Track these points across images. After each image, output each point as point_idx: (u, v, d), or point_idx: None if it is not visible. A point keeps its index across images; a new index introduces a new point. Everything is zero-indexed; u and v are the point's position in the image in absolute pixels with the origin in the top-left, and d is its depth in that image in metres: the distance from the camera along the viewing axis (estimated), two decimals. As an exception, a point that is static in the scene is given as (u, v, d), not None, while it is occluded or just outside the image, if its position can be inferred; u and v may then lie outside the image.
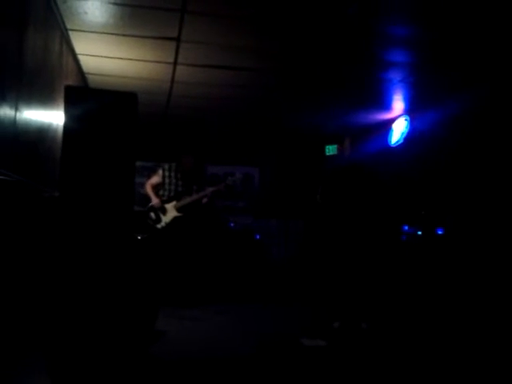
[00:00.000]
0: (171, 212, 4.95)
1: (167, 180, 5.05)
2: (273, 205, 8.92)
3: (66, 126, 3.32)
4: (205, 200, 5.08)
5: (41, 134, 3.75)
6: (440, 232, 5.70)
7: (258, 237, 8.11)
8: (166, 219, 4.93)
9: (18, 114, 3.05)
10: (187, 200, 4.99)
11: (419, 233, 5.98)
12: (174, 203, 4.97)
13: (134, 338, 3.60)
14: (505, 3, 3.75)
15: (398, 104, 6.61)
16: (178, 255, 5.13)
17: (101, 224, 3.29)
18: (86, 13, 4.03)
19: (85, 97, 3.53)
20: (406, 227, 6.20)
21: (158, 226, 4.92)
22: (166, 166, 5.13)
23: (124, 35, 4.48)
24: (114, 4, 3.88)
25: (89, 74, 5.55)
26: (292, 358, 3.99)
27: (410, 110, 6.80)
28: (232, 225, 8.12)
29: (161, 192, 5.02)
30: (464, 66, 5.04)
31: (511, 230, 4.82)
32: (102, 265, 3.28)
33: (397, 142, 7.05)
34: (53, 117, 4.10)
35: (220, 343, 4.47)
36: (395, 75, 5.43)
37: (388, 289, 5.95)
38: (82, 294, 3.20)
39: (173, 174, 5.08)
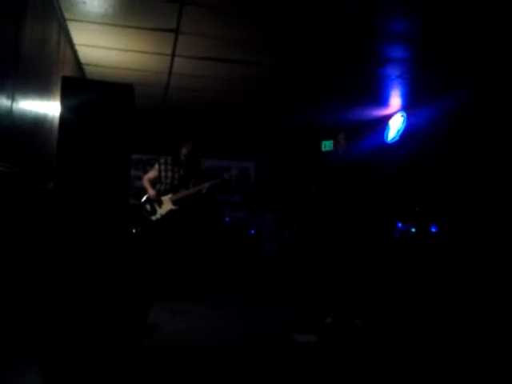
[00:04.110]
0: (167, 205, 4.95)
1: (163, 173, 5.04)
2: (268, 199, 8.93)
3: (62, 117, 3.31)
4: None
5: (37, 124, 3.73)
6: (434, 229, 5.72)
7: (252, 231, 8.12)
8: (161, 211, 4.92)
9: (15, 105, 3.03)
10: (183, 193, 4.99)
11: (413, 230, 6.00)
12: (170, 196, 4.96)
13: (127, 331, 3.61)
14: (502, 2, 3.76)
15: (395, 100, 6.62)
16: (172, 248, 5.14)
17: (95, 217, 3.29)
18: (84, 3, 4.00)
19: (81, 88, 3.52)
20: (400, 224, 6.23)
21: (153, 217, 4.92)
22: (162, 160, 5.12)
23: (122, 26, 4.45)
24: (113, -5, 3.85)
25: (86, 64, 5.52)
26: (283, 353, 4.00)
27: (406, 107, 6.80)
28: (227, 219, 8.13)
29: (157, 186, 5.00)
30: (461, 62, 5.04)
31: (506, 226, 4.85)
32: (96, 257, 3.27)
33: (393, 138, 7.06)
34: (49, 107, 4.08)
35: (212, 337, 4.48)
36: (393, 71, 5.43)
37: (382, 285, 5.97)
38: (75, 287, 3.20)
39: (169, 168, 5.07)
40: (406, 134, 6.77)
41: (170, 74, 5.73)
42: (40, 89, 3.74)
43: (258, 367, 3.60)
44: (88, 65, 5.52)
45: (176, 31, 4.53)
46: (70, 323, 3.17)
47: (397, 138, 6.97)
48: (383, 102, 6.68)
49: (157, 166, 5.08)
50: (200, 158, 5.56)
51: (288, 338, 4.45)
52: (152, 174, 5.12)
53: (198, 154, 5.37)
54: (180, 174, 5.04)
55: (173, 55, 5.14)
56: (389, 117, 7.12)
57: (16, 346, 3.20)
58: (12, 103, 2.98)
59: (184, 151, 5.04)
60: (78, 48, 5.02)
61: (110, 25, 4.43)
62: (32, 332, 3.31)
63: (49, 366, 3.06)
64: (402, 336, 4.67)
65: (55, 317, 3.16)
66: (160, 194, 4.95)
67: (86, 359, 3.14)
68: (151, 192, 4.92)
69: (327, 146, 7.53)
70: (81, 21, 4.36)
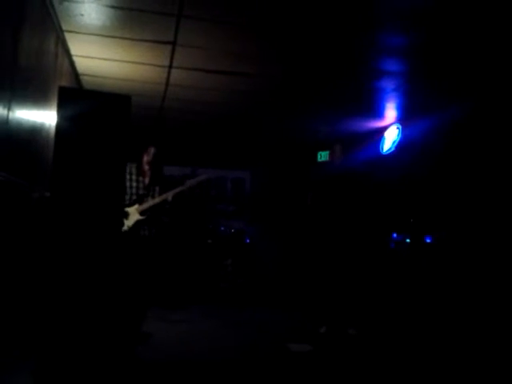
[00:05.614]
0: (134, 215, 4.86)
1: (128, 183, 4.92)
2: (264, 209, 8.95)
3: (58, 127, 3.33)
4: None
5: (33, 134, 3.76)
6: (428, 240, 5.75)
7: (248, 240, 8.14)
8: (128, 223, 4.83)
9: (11, 114, 3.06)
10: (149, 203, 4.91)
11: (408, 240, 6.02)
12: (136, 206, 4.88)
13: (121, 339, 3.61)
14: (495, 18, 3.82)
15: (391, 112, 6.66)
16: (157, 257, 5.06)
17: (91, 225, 3.30)
18: (82, 15, 4.04)
19: (78, 98, 3.55)
20: (395, 235, 6.25)
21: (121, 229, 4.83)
22: (127, 169, 4.97)
23: (120, 38, 4.50)
24: (111, 7, 3.89)
25: (83, 75, 5.56)
26: (278, 363, 4.01)
27: (402, 119, 6.86)
28: (222, 228, 8.14)
29: None
30: (456, 76, 5.09)
31: (500, 237, 4.88)
32: (92, 266, 3.29)
33: (388, 150, 7.10)
34: (46, 117, 4.11)
35: (205, 346, 4.48)
36: (389, 84, 5.48)
37: (376, 295, 5.98)
38: (70, 295, 3.21)
39: (133, 177, 4.94)
40: (401, 145, 6.81)
41: (167, 85, 5.77)
42: (37, 99, 3.78)
43: (252, 377, 3.61)
44: (85, 75, 5.57)
45: (173, 43, 4.57)
46: (64, 332, 3.17)
47: (392, 149, 7.01)
48: (379, 114, 6.72)
49: None
50: (195, 168, 5.49)
51: (282, 346, 4.46)
52: None
53: (162, 160, 5.20)
54: (144, 183, 4.95)
55: (170, 67, 5.18)
56: (384, 128, 7.17)
57: (11, 356, 3.20)
58: (8, 112, 3.01)
59: (146, 159, 4.94)
60: (76, 59, 5.06)
61: (108, 36, 4.47)
62: (26, 342, 3.31)
63: (43, 376, 3.06)
64: (397, 345, 4.67)
65: (50, 326, 3.16)
66: (126, 205, 4.86)
67: (80, 369, 3.14)
68: None
69: (323, 156, 7.58)
70: (78, 32, 4.40)
